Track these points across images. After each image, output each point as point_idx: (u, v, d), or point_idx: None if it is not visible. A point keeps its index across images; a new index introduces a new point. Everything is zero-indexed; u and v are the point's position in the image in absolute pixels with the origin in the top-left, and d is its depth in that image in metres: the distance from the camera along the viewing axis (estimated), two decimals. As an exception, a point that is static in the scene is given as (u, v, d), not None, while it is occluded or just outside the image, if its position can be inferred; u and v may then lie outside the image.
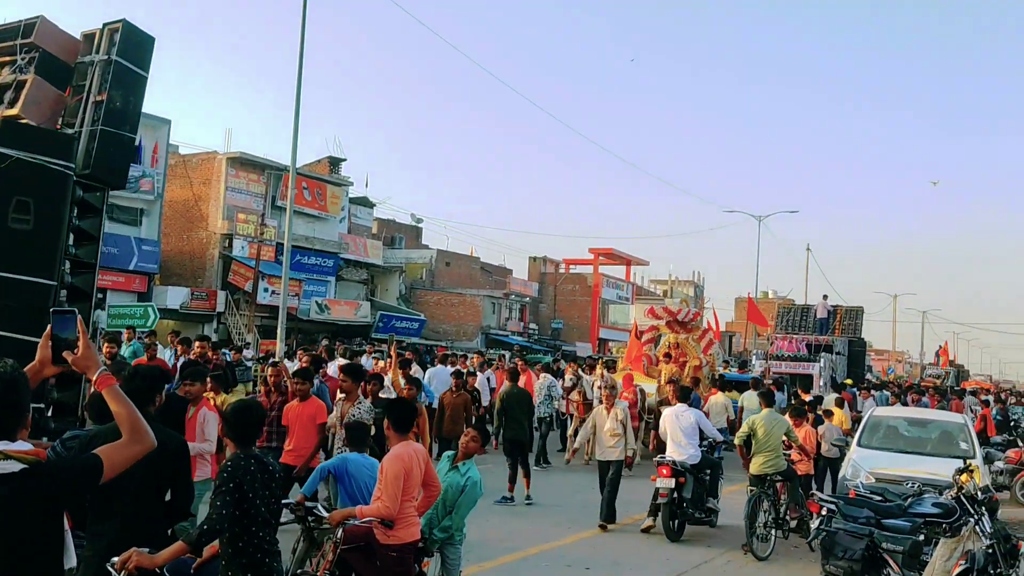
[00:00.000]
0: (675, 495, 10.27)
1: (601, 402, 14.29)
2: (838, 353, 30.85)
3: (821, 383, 26.58)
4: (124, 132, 6.82)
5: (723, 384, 18.98)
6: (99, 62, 6.77)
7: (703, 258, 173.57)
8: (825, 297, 35.02)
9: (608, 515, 10.70)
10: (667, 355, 18.92)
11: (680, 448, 10.64)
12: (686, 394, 11.72)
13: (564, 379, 18.43)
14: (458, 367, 16.09)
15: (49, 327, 2.92)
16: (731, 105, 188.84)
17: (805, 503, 9.97)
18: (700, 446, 10.92)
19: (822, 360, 28.31)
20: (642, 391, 16.82)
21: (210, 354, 12.92)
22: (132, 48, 6.87)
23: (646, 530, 10.54)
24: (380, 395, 10.31)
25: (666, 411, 11.42)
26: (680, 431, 10.74)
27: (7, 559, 2.56)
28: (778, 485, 10.49)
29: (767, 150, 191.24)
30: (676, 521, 10.41)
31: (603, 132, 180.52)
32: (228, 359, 14.57)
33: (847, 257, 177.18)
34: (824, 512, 7.91)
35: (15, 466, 2.57)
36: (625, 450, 10.91)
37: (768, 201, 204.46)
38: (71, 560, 2.78)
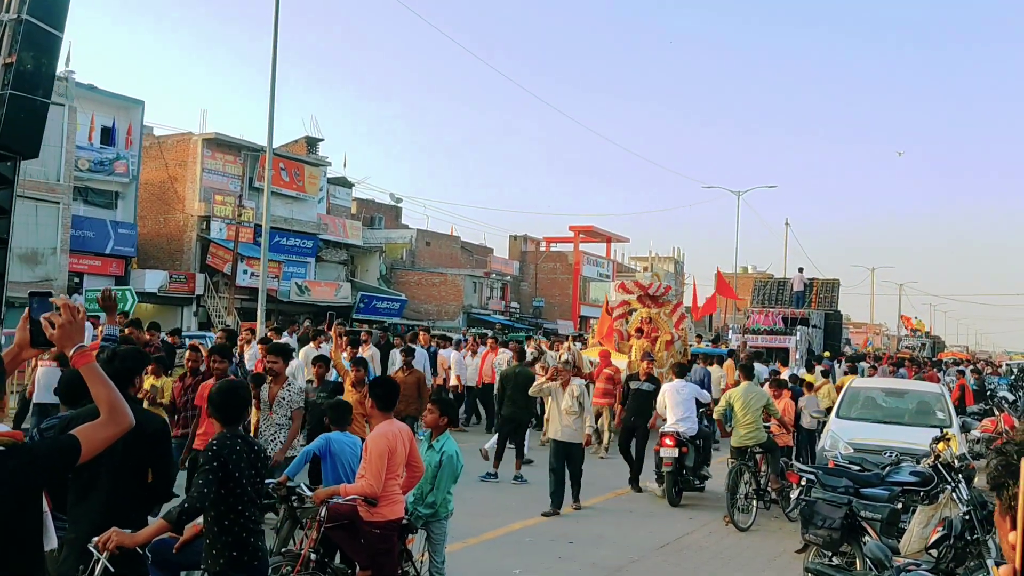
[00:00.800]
0: (678, 464, 10.88)
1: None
2: (814, 326, 30.48)
3: (797, 356, 26.28)
4: (36, 97, 6.28)
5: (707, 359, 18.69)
6: (9, 22, 6.15)
7: (683, 234, 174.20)
8: (801, 270, 34.27)
9: (558, 502, 10.15)
10: (639, 330, 18.50)
11: (680, 420, 11.11)
12: (683, 370, 12.28)
13: (526, 354, 17.28)
14: (407, 345, 15.21)
15: (27, 310, 2.87)
16: (708, 82, 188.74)
17: (785, 474, 10.13)
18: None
19: (798, 333, 27.87)
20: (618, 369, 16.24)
21: (147, 337, 12.51)
22: (44, 6, 6.30)
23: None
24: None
25: (665, 385, 11.70)
26: (680, 404, 11.21)
27: None
28: (758, 457, 10.62)
29: (745, 126, 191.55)
30: (677, 488, 10.98)
31: (582, 109, 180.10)
32: (165, 341, 14.27)
33: (825, 232, 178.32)
34: (803, 482, 8.01)
35: None
36: (584, 429, 10.38)
37: (747, 177, 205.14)
38: (51, 542, 2.75)
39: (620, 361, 17.06)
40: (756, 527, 9.95)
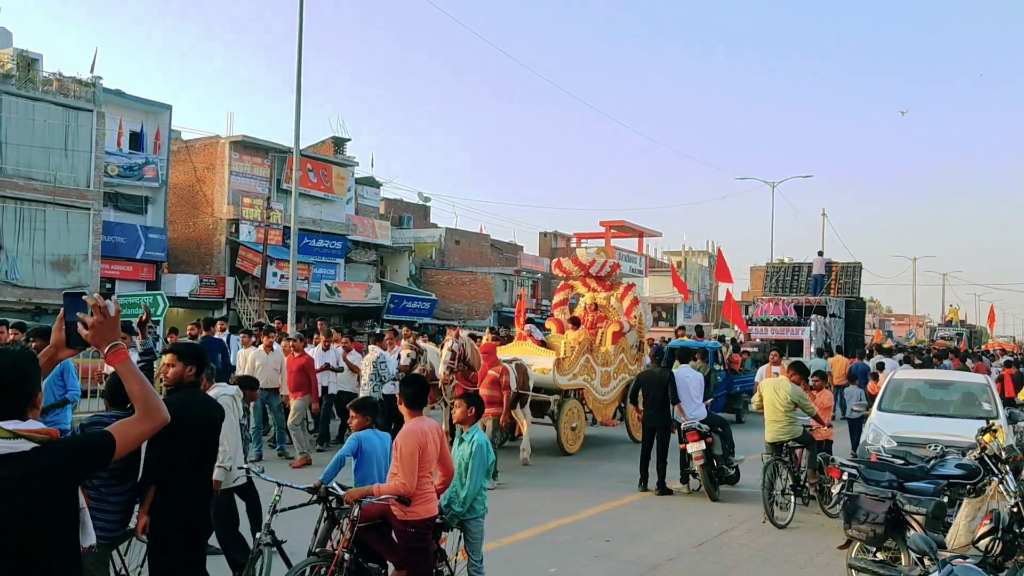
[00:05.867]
0: (708, 456, 10.97)
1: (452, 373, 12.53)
2: (833, 315, 28.41)
3: (812, 350, 24.70)
4: None
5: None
6: None
7: (717, 227, 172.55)
8: (820, 254, 32.40)
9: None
10: (573, 319, 15.67)
11: (693, 407, 11.37)
12: (687, 355, 12.50)
13: (400, 355, 13.40)
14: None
15: (62, 310, 2.94)
16: (739, 73, 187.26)
17: (823, 468, 10.03)
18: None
19: (813, 323, 26.39)
20: (520, 367, 13.28)
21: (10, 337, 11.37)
22: None
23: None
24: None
25: (676, 372, 11.63)
26: (690, 391, 11.45)
27: (21, 538, 2.59)
28: (797, 452, 10.50)
29: (778, 116, 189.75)
30: (713, 481, 11.12)
31: (611, 102, 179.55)
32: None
33: (864, 222, 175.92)
34: (845, 477, 7.92)
35: (25, 445, 2.60)
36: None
37: (781, 167, 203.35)
38: (89, 538, 2.80)
39: (546, 358, 14.16)
40: (797, 523, 9.87)
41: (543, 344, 15.26)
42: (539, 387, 13.95)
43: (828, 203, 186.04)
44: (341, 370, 14.23)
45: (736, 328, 29.44)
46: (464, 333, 13.67)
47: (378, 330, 19.97)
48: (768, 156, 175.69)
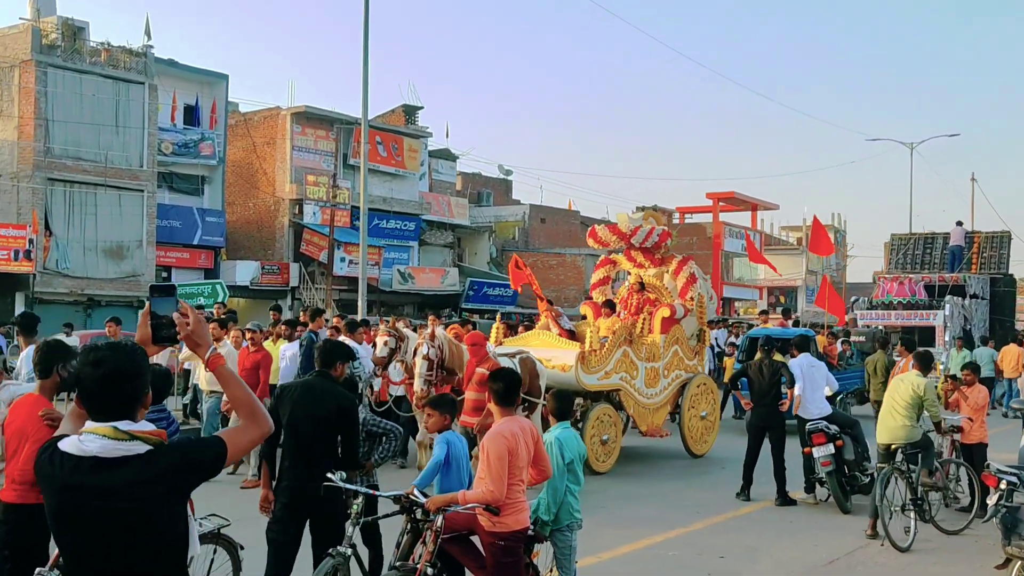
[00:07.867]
0: (837, 461, 10.67)
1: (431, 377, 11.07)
2: (974, 296, 26.80)
3: (947, 338, 23.51)
4: None
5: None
6: None
7: (845, 198, 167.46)
8: (960, 223, 30.31)
9: None
10: (608, 303, 14.55)
11: (815, 402, 11.16)
12: (805, 343, 12.23)
13: (377, 344, 12.43)
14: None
15: (148, 305, 3.05)
16: (866, 19, 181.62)
17: (934, 473, 9.79)
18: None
19: (947, 307, 24.86)
20: (526, 362, 11.70)
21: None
22: None
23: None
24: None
25: (793, 363, 11.36)
26: (815, 383, 11.25)
27: (130, 544, 2.74)
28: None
29: (916, 67, 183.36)
30: (843, 490, 10.82)
31: (720, 58, 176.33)
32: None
33: (1021, 186, 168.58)
34: (1003, 486, 7.64)
35: (141, 447, 2.75)
36: None
37: (921, 125, 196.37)
38: (195, 547, 2.94)
39: (568, 351, 12.76)
40: (944, 539, 9.56)
41: (571, 334, 14.08)
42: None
43: (978, 166, 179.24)
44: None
45: (857, 312, 28.19)
46: (440, 330, 11.99)
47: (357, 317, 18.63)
48: (905, 113, 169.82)
